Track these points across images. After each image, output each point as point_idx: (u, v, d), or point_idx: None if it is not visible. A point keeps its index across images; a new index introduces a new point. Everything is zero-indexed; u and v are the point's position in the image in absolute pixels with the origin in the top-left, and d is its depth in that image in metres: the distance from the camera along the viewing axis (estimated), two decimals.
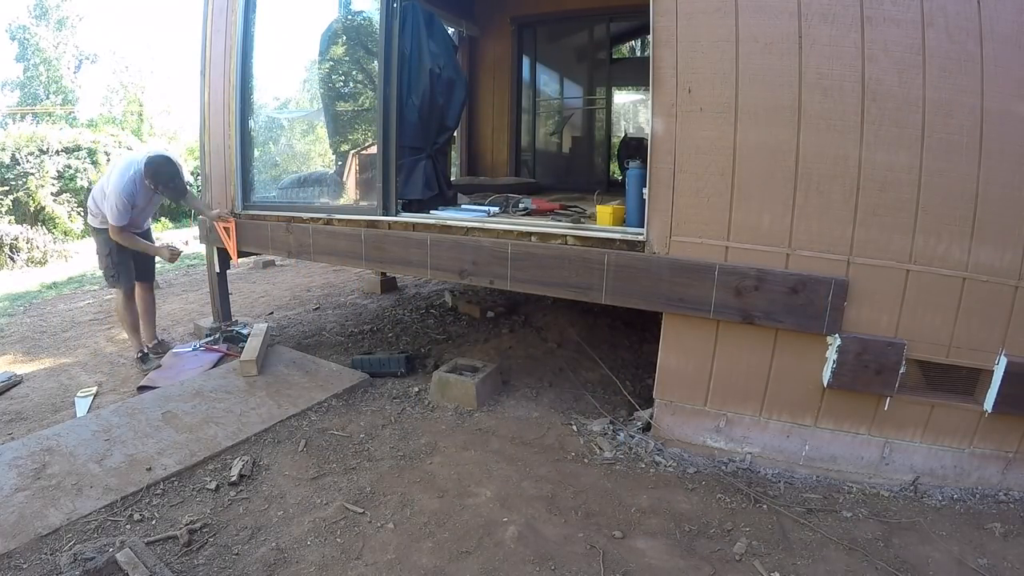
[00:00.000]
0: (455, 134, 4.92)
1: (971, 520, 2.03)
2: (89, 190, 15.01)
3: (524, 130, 5.85)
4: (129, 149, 16.74)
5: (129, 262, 3.72)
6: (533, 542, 1.90)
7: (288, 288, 5.94)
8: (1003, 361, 2.05)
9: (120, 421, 2.61)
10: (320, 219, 3.48)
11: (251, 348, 3.33)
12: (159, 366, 3.61)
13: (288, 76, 4.80)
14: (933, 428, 2.19)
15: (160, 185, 3.60)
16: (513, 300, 4.64)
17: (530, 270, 2.67)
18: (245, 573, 1.78)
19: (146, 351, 3.83)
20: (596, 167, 6.47)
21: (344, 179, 4.45)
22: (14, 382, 3.57)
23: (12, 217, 12.75)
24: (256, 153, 4.20)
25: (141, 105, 24.01)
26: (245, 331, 4.02)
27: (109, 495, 2.11)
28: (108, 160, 15.07)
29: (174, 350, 3.85)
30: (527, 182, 5.03)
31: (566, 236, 2.64)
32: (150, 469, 2.27)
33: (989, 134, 1.96)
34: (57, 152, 15.11)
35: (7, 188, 13.43)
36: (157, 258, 3.97)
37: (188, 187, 3.88)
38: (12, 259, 10.15)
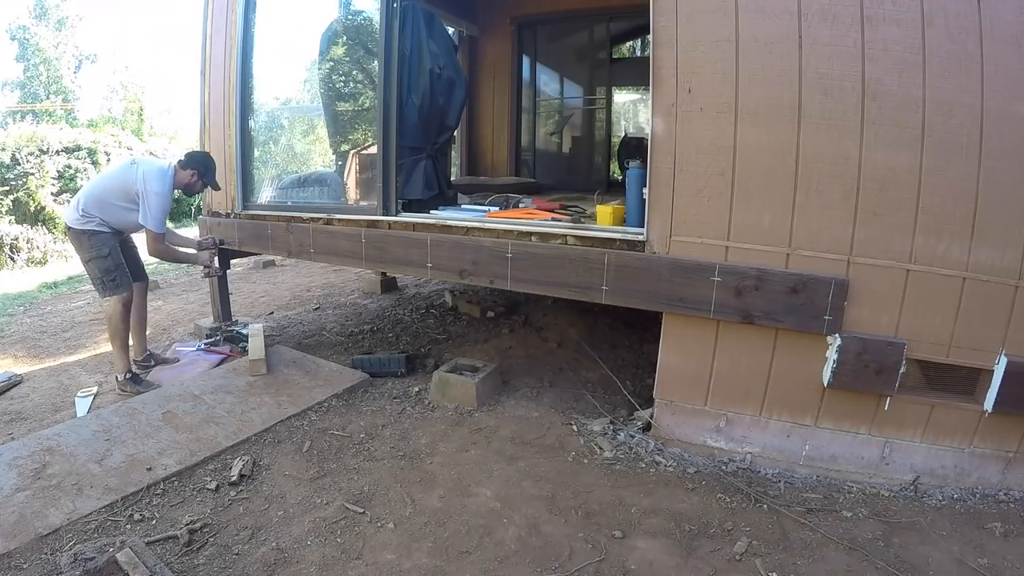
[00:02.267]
0: (455, 134, 4.92)
1: (971, 520, 2.03)
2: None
3: (524, 130, 5.85)
4: (129, 150, 16.74)
5: (124, 263, 3.35)
6: (533, 542, 1.90)
7: (288, 288, 5.94)
8: (1003, 361, 2.05)
9: (120, 421, 2.61)
10: (320, 219, 3.48)
11: (257, 348, 3.33)
12: (157, 385, 3.29)
13: (288, 76, 4.80)
14: (933, 428, 2.19)
15: (207, 179, 3.50)
16: (513, 300, 4.64)
17: (530, 270, 2.67)
18: (245, 573, 1.78)
19: (135, 371, 3.38)
20: (596, 167, 6.47)
21: (344, 179, 4.45)
22: (14, 382, 3.56)
23: (12, 217, 12.75)
24: (256, 153, 4.20)
25: (141, 105, 24.02)
26: (245, 331, 4.02)
27: (109, 495, 2.11)
28: (108, 160, 15.05)
29: (176, 347, 3.85)
30: (527, 182, 5.03)
31: (566, 236, 2.64)
32: (150, 469, 2.27)
33: (989, 134, 1.96)
34: (57, 152, 15.11)
35: (7, 188, 13.43)
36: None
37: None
38: (12, 259, 10.16)
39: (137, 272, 3.55)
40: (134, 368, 3.41)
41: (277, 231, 3.67)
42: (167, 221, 3.43)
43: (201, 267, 3.81)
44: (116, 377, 3.32)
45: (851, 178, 2.09)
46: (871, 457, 2.27)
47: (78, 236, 3.26)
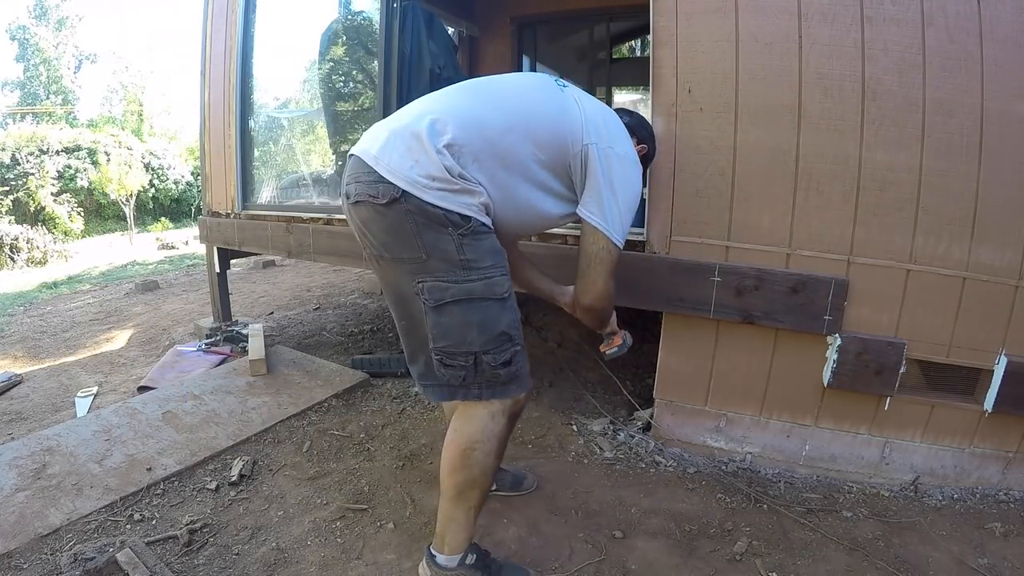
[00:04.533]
0: None
1: (971, 520, 2.03)
2: (90, 190, 15.02)
3: None
4: (129, 150, 16.67)
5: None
6: (533, 542, 1.90)
7: (288, 288, 5.94)
8: (1003, 361, 2.05)
9: (120, 421, 2.62)
10: (320, 219, 3.48)
11: (257, 348, 3.33)
12: None
13: (288, 76, 4.80)
14: (933, 428, 2.19)
15: (652, 156, 1.98)
16: None
17: None
18: (245, 573, 1.78)
19: (481, 551, 1.63)
20: None
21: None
22: (14, 382, 3.57)
23: (12, 217, 12.76)
24: (256, 153, 4.20)
25: (141, 105, 24.04)
26: (245, 331, 4.02)
27: (109, 495, 2.11)
28: (108, 160, 15.02)
29: (177, 348, 3.85)
30: None
31: (566, 236, 2.64)
32: (150, 469, 2.27)
33: (989, 134, 1.96)
34: (57, 152, 15.12)
35: (7, 188, 13.44)
36: None
37: None
38: (12, 259, 10.17)
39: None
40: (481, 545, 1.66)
41: (277, 231, 3.67)
42: None
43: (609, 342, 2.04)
44: (432, 560, 1.58)
45: (851, 178, 2.09)
46: (871, 457, 2.27)
47: (427, 218, 1.33)
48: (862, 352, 2.12)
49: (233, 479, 2.24)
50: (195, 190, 17.86)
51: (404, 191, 1.31)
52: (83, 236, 14.27)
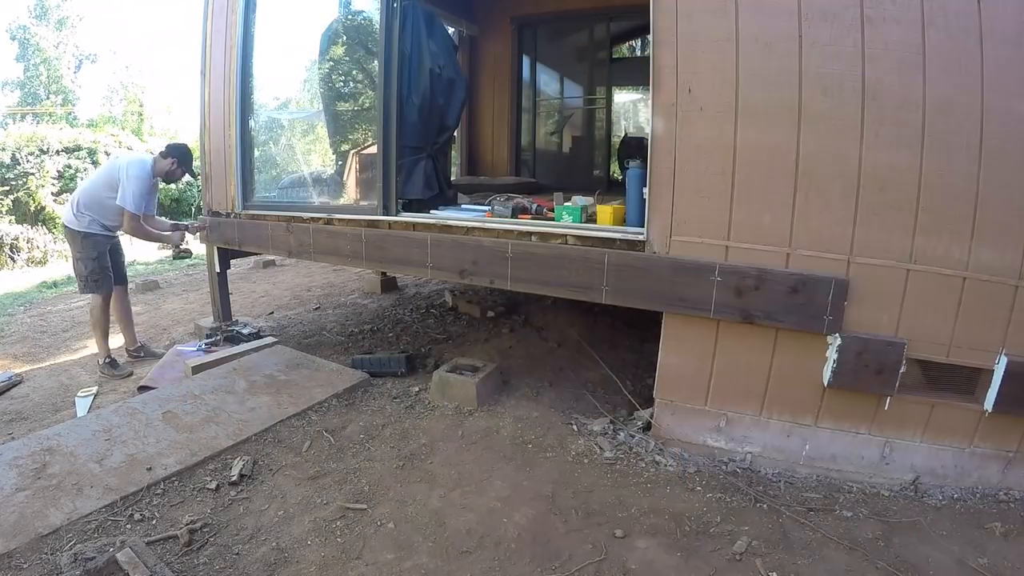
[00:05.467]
0: (455, 134, 4.92)
1: (971, 519, 2.03)
2: None
3: (524, 130, 5.85)
4: (129, 149, 16.75)
5: (109, 266, 3.71)
6: (533, 542, 1.91)
7: (288, 288, 5.94)
8: (1003, 360, 2.05)
9: (120, 421, 2.61)
10: (320, 219, 3.48)
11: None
12: (130, 373, 3.62)
13: (288, 76, 4.81)
14: (933, 428, 2.19)
15: (186, 167, 3.80)
16: (513, 300, 4.63)
17: (530, 270, 2.67)
18: (246, 573, 1.78)
19: (111, 358, 3.70)
20: (596, 167, 6.47)
21: (344, 179, 4.45)
22: (14, 382, 3.57)
23: (12, 217, 12.75)
24: (256, 153, 4.21)
25: (141, 105, 24.02)
26: (246, 331, 4.03)
27: (109, 495, 2.11)
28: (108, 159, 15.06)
29: (177, 348, 3.85)
30: (527, 182, 5.03)
31: (566, 236, 2.64)
32: (150, 469, 2.27)
33: (989, 134, 1.96)
34: (57, 152, 15.12)
35: (7, 188, 13.43)
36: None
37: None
38: (12, 259, 10.16)
39: (120, 276, 3.92)
40: (110, 356, 3.72)
41: (277, 231, 3.67)
42: (156, 211, 3.90)
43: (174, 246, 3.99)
44: (97, 361, 3.71)
45: (851, 178, 2.09)
46: (871, 457, 2.27)
47: (73, 236, 3.60)
48: (862, 352, 2.12)
49: (233, 479, 2.24)
50: (195, 190, 17.83)
51: (66, 225, 3.00)
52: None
